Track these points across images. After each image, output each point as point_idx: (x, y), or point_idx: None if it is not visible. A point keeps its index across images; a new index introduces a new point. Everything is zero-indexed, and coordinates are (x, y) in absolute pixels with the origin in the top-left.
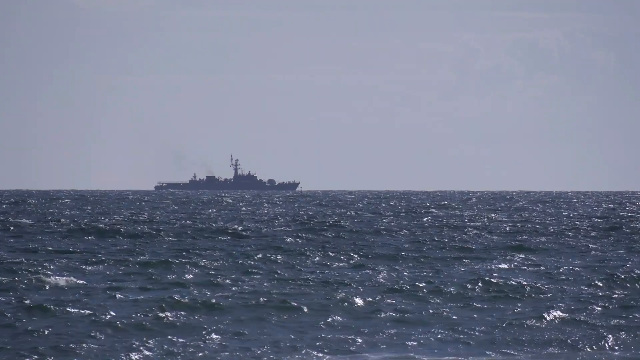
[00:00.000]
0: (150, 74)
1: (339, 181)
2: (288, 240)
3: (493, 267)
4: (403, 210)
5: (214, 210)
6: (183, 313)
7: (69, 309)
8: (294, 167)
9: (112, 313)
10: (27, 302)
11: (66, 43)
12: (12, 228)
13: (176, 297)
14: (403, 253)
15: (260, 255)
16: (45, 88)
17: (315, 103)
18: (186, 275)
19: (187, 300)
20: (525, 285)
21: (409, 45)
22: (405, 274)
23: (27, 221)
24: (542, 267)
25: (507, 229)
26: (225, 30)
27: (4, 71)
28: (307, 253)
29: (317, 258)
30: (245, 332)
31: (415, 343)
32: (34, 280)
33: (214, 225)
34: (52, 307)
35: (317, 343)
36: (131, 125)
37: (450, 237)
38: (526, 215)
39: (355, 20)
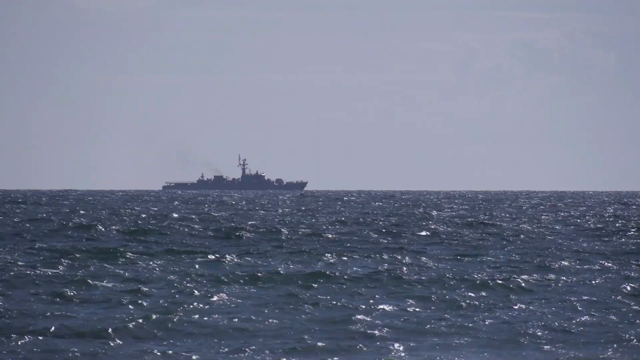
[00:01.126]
0: (151, 74)
1: (345, 181)
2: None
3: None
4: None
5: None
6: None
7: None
8: (300, 167)
9: None
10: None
11: (66, 43)
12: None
13: None
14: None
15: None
16: (45, 88)
17: (315, 103)
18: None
19: None
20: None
21: (409, 45)
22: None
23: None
24: None
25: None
26: (226, 30)
27: (5, 71)
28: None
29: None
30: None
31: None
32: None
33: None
34: None
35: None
36: (134, 125)
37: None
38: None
39: (355, 20)
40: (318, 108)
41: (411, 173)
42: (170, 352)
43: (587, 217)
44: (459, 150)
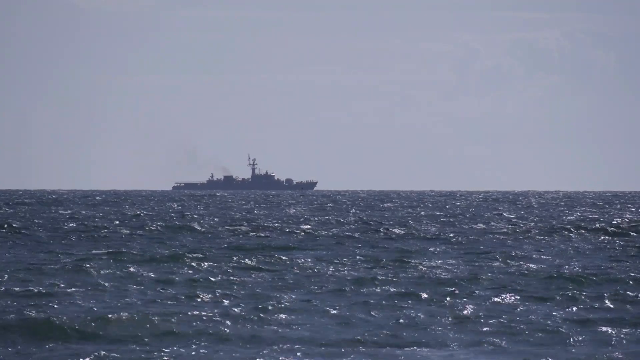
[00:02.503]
0: (151, 74)
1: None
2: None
3: None
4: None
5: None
6: None
7: None
8: (302, 166)
9: None
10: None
11: (66, 43)
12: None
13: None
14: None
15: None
16: (45, 88)
17: (315, 103)
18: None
19: None
20: None
21: (409, 45)
22: None
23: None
24: None
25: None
26: (225, 30)
27: (5, 71)
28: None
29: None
30: None
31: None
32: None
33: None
34: None
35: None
36: (137, 126)
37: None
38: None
39: (355, 20)
40: (318, 108)
41: (411, 173)
42: None
43: None
44: (459, 150)
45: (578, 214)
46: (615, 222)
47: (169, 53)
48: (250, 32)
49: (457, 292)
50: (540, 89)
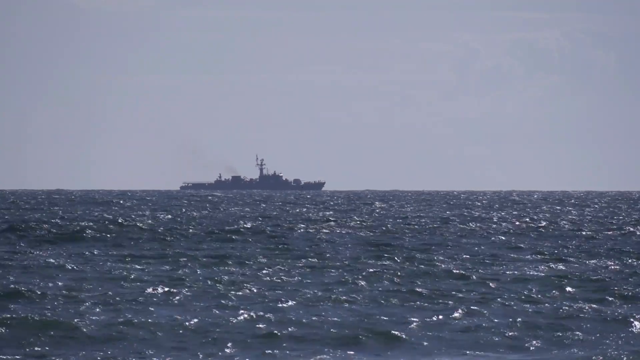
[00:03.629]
0: (151, 74)
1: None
2: None
3: None
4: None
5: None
6: None
7: None
8: (302, 166)
9: None
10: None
11: (66, 43)
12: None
13: None
14: None
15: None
16: (45, 88)
17: (315, 103)
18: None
19: None
20: None
21: (409, 45)
22: None
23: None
24: None
25: None
26: (226, 30)
27: (5, 71)
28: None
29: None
30: None
31: None
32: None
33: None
34: None
35: None
36: (141, 126)
37: None
38: None
39: (355, 20)
40: (318, 108)
41: (411, 173)
42: None
43: None
44: (459, 150)
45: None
46: None
47: (169, 53)
48: (250, 32)
49: None
50: (540, 89)
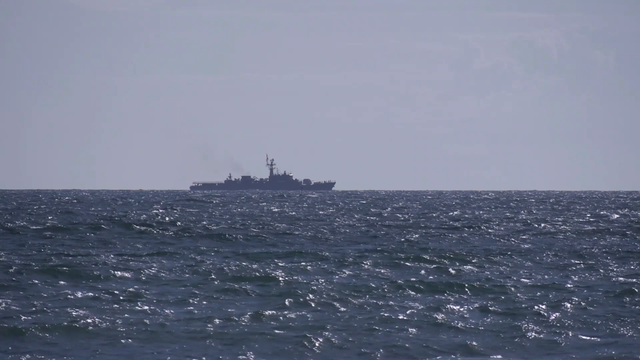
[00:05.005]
0: (151, 74)
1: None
2: None
3: None
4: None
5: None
6: None
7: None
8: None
9: None
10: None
11: (66, 43)
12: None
13: None
14: None
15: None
16: (45, 88)
17: (315, 103)
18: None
19: None
20: None
21: (408, 46)
22: None
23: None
24: None
25: None
26: (226, 31)
27: (5, 71)
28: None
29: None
30: None
31: None
32: None
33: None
34: None
35: None
36: (140, 126)
37: None
38: None
39: (354, 20)
40: (318, 108)
41: (410, 173)
42: None
43: None
44: (458, 150)
45: None
46: None
47: (169, 53)
48: (250, 32)
49: None
50: (539, 89)
